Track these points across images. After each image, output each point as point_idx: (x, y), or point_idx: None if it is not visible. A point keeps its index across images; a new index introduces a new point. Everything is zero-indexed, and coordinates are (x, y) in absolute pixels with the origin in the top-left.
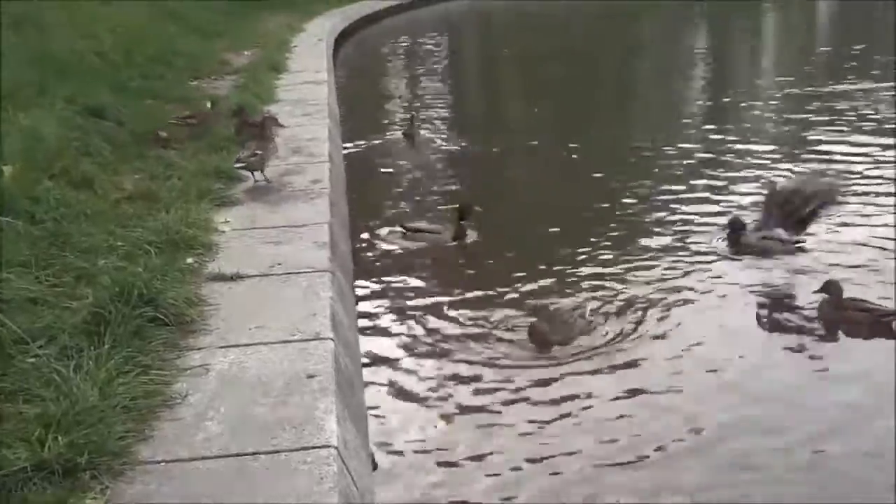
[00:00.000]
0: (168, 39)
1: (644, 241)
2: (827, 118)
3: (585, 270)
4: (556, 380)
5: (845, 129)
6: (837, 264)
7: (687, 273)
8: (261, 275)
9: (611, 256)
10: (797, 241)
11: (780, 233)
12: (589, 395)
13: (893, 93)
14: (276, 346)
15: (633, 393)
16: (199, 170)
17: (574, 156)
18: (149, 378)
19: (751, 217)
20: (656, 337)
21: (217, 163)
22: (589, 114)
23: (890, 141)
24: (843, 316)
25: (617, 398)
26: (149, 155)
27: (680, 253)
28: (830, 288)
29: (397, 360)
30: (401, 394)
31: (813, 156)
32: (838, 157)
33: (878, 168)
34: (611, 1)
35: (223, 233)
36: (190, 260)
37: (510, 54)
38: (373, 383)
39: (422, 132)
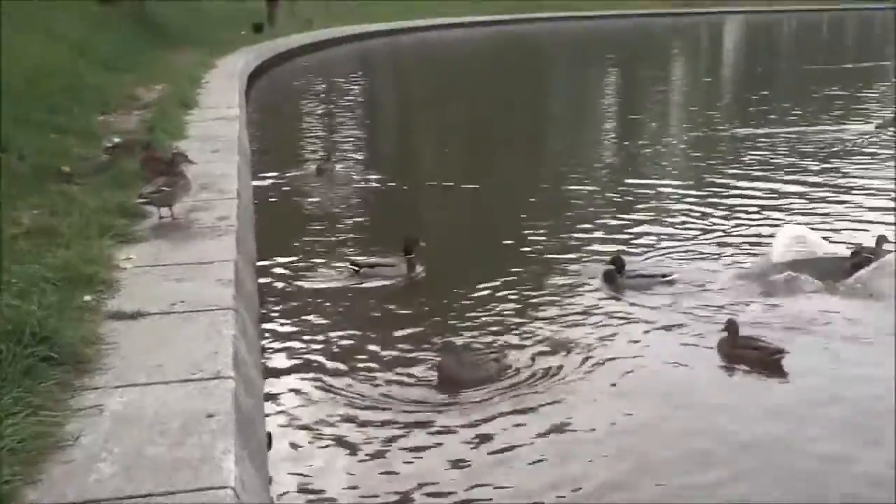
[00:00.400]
0: (76, 73)
1: (549, 279)
2: (728, 159)
3: (496, 307)
4: (462, 420)
5: (743, 169)
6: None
7: (589, 311)
8: (162, 312)
9: (520, 295)
10: (664, 276)
11: (648, 270)
12: (502, 437)
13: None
14: (176, 385)
15: (550, 432)
16: (102, 206)
17: (482, 193)
18: (39, 419)
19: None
20: (573, 377)
21: (121, 199)
22: (496, 153)
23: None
24: (736, 353)
25: (535, 438)
26: (50, 190)
27: (582, 289)
28: (729, 326)
29: (303, 398)
30: (304, 433)
31: (710, 193)
32: (734, 194)
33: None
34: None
35: (125, 270)
36: (88, 297)
37: (422, 93)
38: (277, 422)
39: (337, 167)
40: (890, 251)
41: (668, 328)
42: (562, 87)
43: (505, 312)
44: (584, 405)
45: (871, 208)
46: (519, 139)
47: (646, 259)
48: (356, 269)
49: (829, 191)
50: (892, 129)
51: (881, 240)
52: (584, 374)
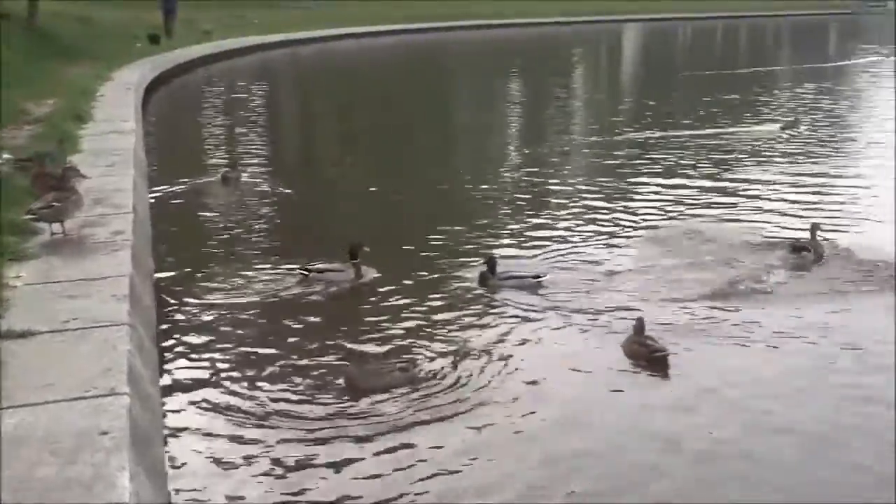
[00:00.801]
0: None
1: (449, 283)
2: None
3: (400, 313)
4: (369, 431)
5: (637, 171)
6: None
7: (484, 314)
8: (54, 330)
9: (419, 299)
10: (536, 277)
11: (520, 272)
12: (412, 447)
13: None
14: (68, 404)
15: (459, 439)
16: None
17: (385, 199)
18: None
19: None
20: (477, 382)
21: (11, 216)
22: (399, 159)
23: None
24: (631, 350)
25: (441, 446)
26: None
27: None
28: (636, 324)
29: (205, 412)
30: (206, 448)
31: (611, 194)
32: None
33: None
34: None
35: (15, 288)
36: None
37: (324, 103)
38: (176, 437)
39: (242, 176)
40: (823, 239)
41: (552, 329)
42: (465, 95)
43: (408, 318)
44: (493, 410)
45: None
46: (422, 146)
47: (542, 258)
48: (305, 273)
49: (742, 187)
50: (794, 129)
51: (815, 227)
52: (490, 380)
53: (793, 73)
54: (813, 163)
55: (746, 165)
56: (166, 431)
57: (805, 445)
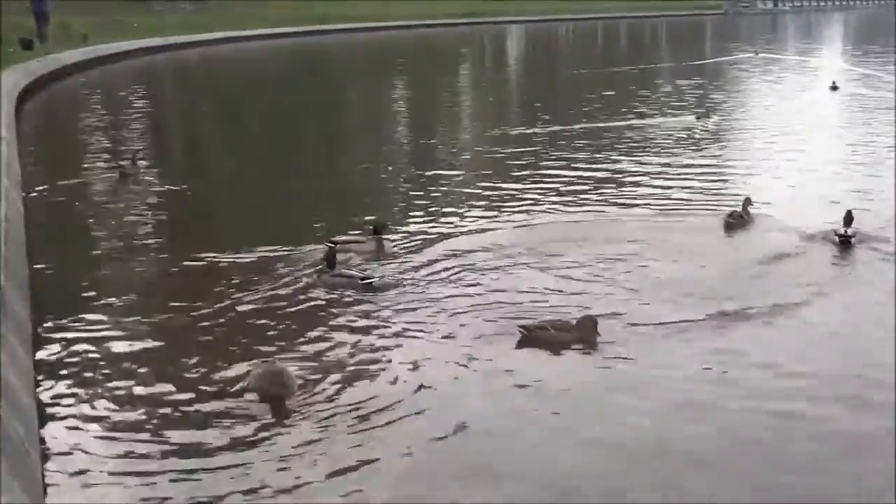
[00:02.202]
0: None
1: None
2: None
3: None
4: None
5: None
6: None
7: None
8: None
9: (292, 301)
10: (365, 279)
11: (351, 272)
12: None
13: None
14: None
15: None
16: None
17: (269, 194)
18: None
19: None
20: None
21: None
22: (284, 157)
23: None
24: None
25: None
26: None
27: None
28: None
29: (86, 422)
30: (83, 460)
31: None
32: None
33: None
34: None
35: None
36: None
37: (208, 106)
38: (53, 450)
39: (141, 172)
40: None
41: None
42: (353, 95)
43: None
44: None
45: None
46: (305, 144)
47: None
48: (332, 244)
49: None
50: (708, 119)
51: (747, 202)
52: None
53: (673, 69)
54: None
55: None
56: (42, 444)
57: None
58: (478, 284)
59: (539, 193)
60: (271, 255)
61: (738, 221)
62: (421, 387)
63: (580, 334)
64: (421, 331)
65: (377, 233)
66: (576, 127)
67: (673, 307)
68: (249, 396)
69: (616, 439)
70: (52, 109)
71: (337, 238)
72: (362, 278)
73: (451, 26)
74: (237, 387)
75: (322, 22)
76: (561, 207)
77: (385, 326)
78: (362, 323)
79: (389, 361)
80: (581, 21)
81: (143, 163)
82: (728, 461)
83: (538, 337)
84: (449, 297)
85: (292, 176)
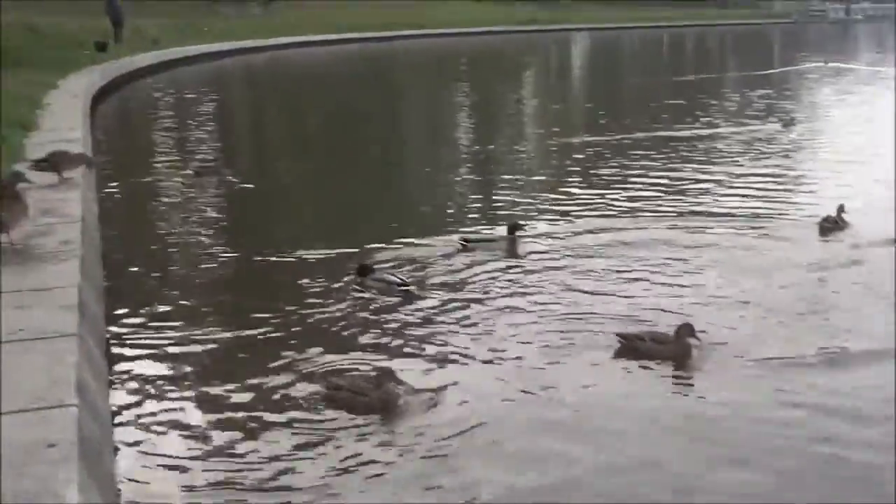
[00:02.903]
0: None
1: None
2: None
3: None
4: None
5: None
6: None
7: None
8: (1, 342)
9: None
10: (403, 285)
11: (390, 277)
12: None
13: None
14: (14, 416)
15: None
16: None
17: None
18: None
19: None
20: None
21: None
22: (353, 160)
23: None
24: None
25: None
26: None
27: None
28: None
29: (157, 423)
30: (157, 461)
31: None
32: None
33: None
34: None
35: None
36: None
37: (277, 109)
38: (127, 450)
39: (215, 172)
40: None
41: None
42: (417, 101)
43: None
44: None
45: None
46: (374, 149)
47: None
48: (464, 243)
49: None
50: (793, 126)
51: (841, 208)
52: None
53: (740, 79)
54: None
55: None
56: (116, 444)
57: None
58: (564, 291)
59: (618, 200)
60: (333, 255)
61: (832, 226)
62: (507, 399)
63: (677, 349)
64: (512, 336)
65: (511, 232)
66: (648, 135)
67: (774, 328)
68: (325, 403)
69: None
70: (125, 111)
71: (469, 237)
72: (400, 283)
73: (515, 33)
74: (319, 391)
75: (387, 28)
76: (643, 214)
77: (475, 332)
78: (443, 329)
79: (481, 364)
80: (647, 29)
81: (214, 164)
82: None
83: (635, 347)
84: (541, 303)
85: (356, 178)
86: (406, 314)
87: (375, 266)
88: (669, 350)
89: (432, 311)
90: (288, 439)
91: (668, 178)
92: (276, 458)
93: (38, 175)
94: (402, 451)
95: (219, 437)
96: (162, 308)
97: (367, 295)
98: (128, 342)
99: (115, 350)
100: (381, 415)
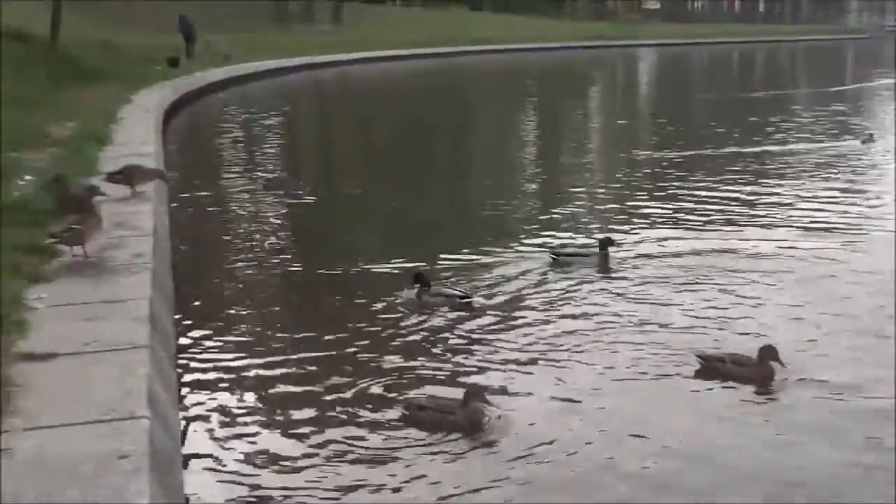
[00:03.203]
0: None
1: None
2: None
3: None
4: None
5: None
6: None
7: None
8: (74, 353)
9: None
10: (464, 297)
11: (449, 291)
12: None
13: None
14: (88, 427)
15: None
16: (13, 245)
17: (402, 213)
18: None
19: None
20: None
21: (32, 237)
22: (421, 175)
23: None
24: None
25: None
26: None
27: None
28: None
29: (225, 436)
30: (225, 473)
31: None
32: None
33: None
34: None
35: (36, 309)
36: None
37: (348, 124)
38: (196, 462)
39: (286, 188)
40: None
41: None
42: (483, 116)
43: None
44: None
45: None
46: (445, 164)
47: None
48: (554, 257)
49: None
50: (872, 143)
51: None
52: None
53: (812, 95)
54: None
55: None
56: (185, 455)
57: None
58: (641, 305)
59: (690, 214)
60: (403, 268)
61: None
62: (584, 420)
63: (760, 372)
64: (594, 347)
65: (603, 248)
66: (722, 150)
67: (858, 349)
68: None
69: None
70: (196, 125)
71: (561, 250)
72: (461, 297)
73: (582, 49)
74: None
75: (454, 44)
76: (723, 229)
77: (551, 348)
78: (511, 345)
79: (562, 384)
80: (716, 45)
81: (282, 177)
82: None
83: (715, 369)
84: (619, 318)
85: (424, 191)
86: (478, 329)
87: (432, 280)
88: (751, 373)
89: (505, 325)
90: (362, 456)
91: (744, 192)
92: (354, 477)
93: (111, 188)
94: (489, 473)
95: (289, 452)
96: (230, 321)
97: (437, 309)
98: (197, 354)
99: (185, 362)
100: (468, 434)
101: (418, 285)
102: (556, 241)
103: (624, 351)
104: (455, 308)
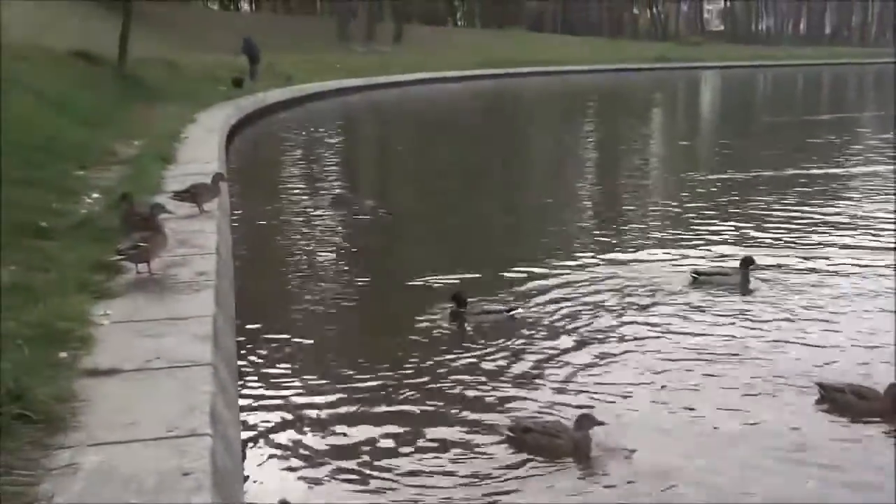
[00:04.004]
0: (55, 129)
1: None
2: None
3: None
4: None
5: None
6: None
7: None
8: (138, 369)
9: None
10: (510, 311)
11: (492, 307)
12: None
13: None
14: (151, 443)
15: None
16: (79, 261)
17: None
18: (11, 479)
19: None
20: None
21: (99, 254)
22: (477, 197)
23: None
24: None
25: None
26: (26, 246)
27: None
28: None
29: (286, 456)
30: (284, 492)
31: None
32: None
33: None
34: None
35: (101, 325)
36: (64, 354)
37: (406, 143)
38: (256, 482)
39: (349, 205)
40: None
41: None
42: (542, 138)
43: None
44: None
45: None
46: (496, 181)
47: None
48: (695, 276)
49: None
50: None
51: None
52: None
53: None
54: None
55: None
56: (246, 474)
57: None
58: (748, 328)
59: (768, 235)
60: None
61: None
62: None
63: (885, 406)
64: (702, 370)
65: (744, 266)
66: (779, 173)
67: None
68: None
69: None
70: (258, 144)
71: (701, 269)
72: (507, 311)
73: (644, 70)
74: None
75: (514, 65)
76: (794, 251)
77: (650, 371)
78: (618, 362)
79: (662, 405)
80: (780, 68)
81: (344, 195)
82: None
83: (834, 399)
84: (731, 341)
85: (475, 211)
86: (560, 351)
87: (468, 298)
88: (873, 407)
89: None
90: (441, 480)
91: (824, 212)
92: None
93: (176, 206)
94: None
95: (354, 473)
96: (293, 337)
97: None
98: (260, 372)
99: (247, 380)
100: (574, 459)
101: (454, 304)
102: (628, 256)
103: (741, 375)
104: (501, 322)
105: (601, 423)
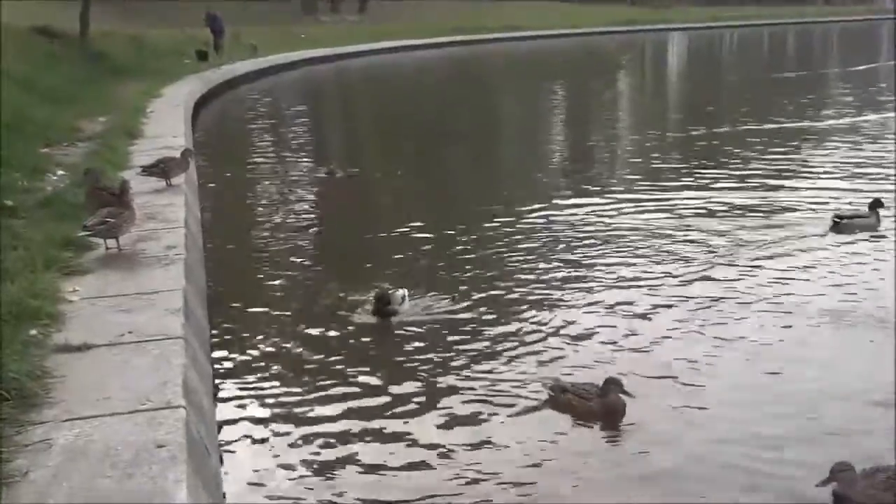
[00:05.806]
0: (19, 106)
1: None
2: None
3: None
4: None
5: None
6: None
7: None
8: (110, 344)
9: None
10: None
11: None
12: None
13: None
14: (125, 417)
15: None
16: (47, 239)
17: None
18: None
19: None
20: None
21: (66, 231)
22: (435, 163)
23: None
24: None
25: None
26: None
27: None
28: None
29: (260, 425)
30: (260, 461)
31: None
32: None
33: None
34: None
35: (71, 302)
36: (34, 332)
37: (375, 113)
38: (231, 451)
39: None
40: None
41: None
42: (514, 102)
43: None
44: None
45: None
46: (468, 147)
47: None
48: (838, 220)
49: None
50: None
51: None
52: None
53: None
54: None
55: None
56: (221, 444)
57: None
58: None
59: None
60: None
61: None
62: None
63: None
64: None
65: (873, 208)
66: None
67: None
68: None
69: None
70: (224, 117)
71: (842, 213)
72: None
73: (613, 34)
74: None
75: (480, 31)
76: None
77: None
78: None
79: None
80: (747, 28)
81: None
82: None
83: None
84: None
85: (442, 176)
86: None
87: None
88: None
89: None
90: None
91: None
92: (384, 464)
93: (143, 181)
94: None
95: (324, 439)
96: (264, 306)
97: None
98: (232, 342)
99: (219, 351)
100: (603, 422)
101: (378, 303)
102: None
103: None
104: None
105: (624, 391)
